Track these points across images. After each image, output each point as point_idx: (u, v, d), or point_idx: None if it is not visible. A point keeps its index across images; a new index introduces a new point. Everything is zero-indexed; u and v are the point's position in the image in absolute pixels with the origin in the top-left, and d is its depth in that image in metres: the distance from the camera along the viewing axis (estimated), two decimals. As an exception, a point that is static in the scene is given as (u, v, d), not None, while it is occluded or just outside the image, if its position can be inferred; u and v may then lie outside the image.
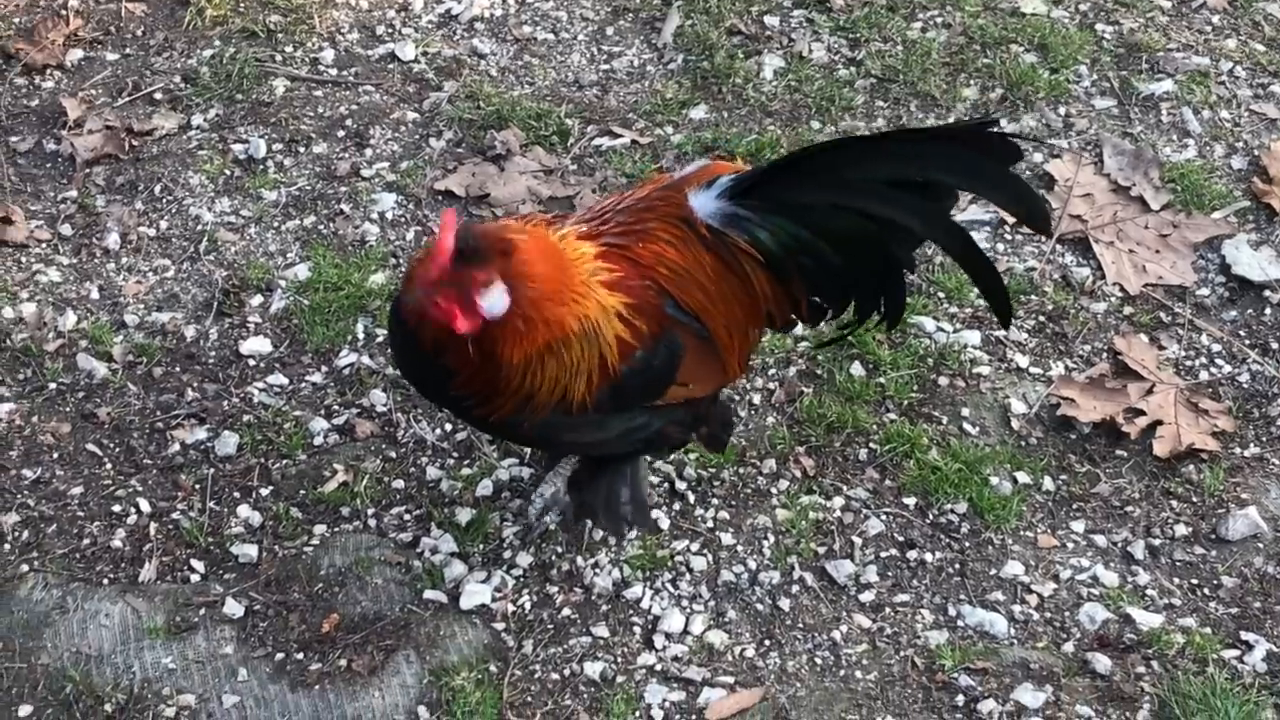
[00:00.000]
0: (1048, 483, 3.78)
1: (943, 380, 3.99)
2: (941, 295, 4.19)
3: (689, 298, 3.27)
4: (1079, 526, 3.70)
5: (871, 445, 3.85)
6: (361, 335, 4.07)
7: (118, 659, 3.40)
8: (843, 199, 3.22)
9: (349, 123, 4.66)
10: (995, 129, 3.26)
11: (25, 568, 3.57)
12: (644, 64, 4.89)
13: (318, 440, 3.85)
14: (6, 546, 3.62)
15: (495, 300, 3.02)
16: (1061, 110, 4.71)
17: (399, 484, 3.76)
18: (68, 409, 3.91)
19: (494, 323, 3.05)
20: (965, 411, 3.93)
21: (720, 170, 3.34)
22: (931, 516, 3.72)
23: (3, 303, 4.12)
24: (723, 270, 3.29)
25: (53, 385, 3.96)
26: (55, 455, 3.81)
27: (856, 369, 3.99)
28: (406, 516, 3.70)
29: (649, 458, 3.69)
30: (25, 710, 3.32)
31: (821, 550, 3.64)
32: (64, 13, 4.97)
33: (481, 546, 3.63)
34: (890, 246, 3.29)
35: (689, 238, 3.27)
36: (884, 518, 3.71)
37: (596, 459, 3.59)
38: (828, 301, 3.42)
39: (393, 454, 3.83)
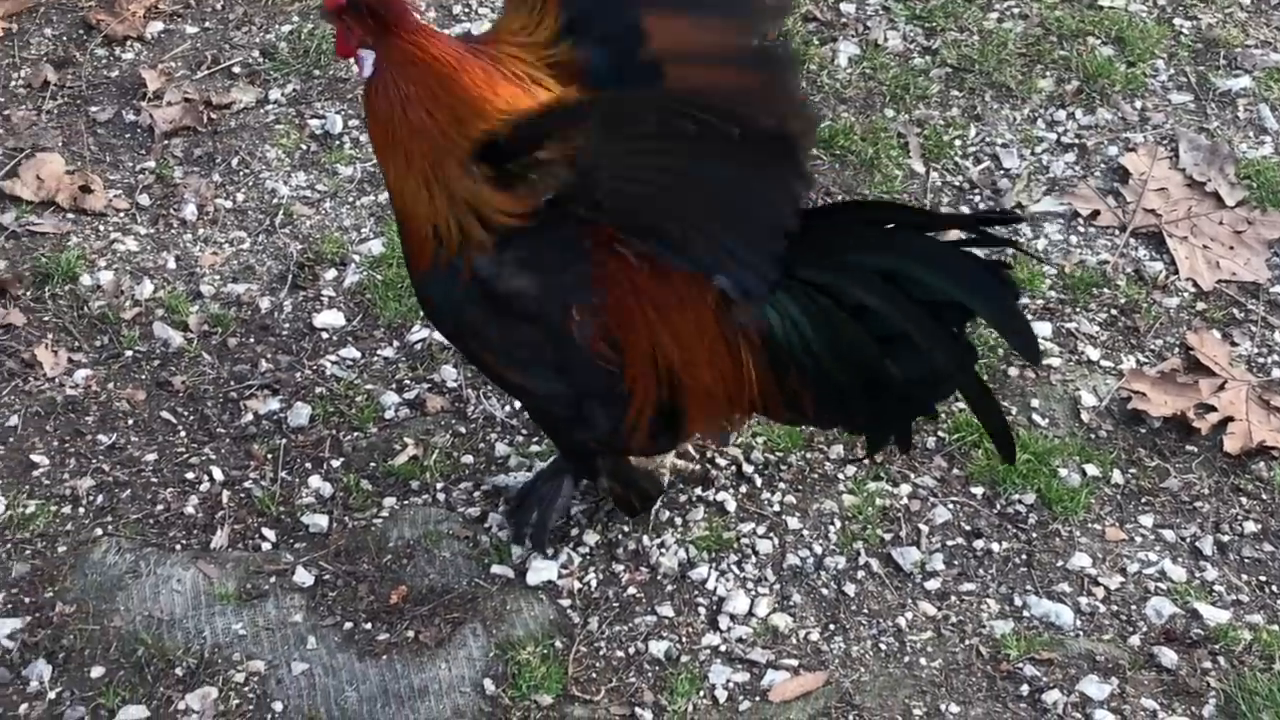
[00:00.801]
0: (1117, 476, 3.77)
1: (1012, 371, 3.99)
2: (1013, 286, 4.18)
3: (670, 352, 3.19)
4: (1147, 521, 3.69)
5: (940, 433, 3.85)
6: (433, 311, 4.10)
7: (189, 624, 3.44)
8: (841, 280, 3.11)
9: (424, 100, 4.68)
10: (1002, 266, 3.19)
11: (99, 532, 3.62)
12: (719, 48, 4.89)
13: (389, 414, 3.88)
14: (81, 510, 3.67)
15: (365, 63, 3.14)
16: (1137, 104, 4.68)
17: (468, 459, 3.79)
18: (143, 377, 3.96)
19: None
20: (1035, 403, 3.92)
21: None
22: (999, 506, 3.71)
23: (81, 270, 4.17)
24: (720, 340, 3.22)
25: (129, 353, 4.01)
26: (130, 422, 3.86)
27: (926, 357, 3.99)
28: (475, 492, 3.72)
29: (573, 492, 3.63)
30: (98, 671, 3.37)
31: (888, 537, 3.65)
32: (145, -15, 5.03)
33: (549, 523, 3.66)
34: (887, 361, 3.17)
35: (701, 296, 3.18)
36: (951, 506, 3.71)
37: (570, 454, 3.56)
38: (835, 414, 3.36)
39: (462, 429, 3.86)
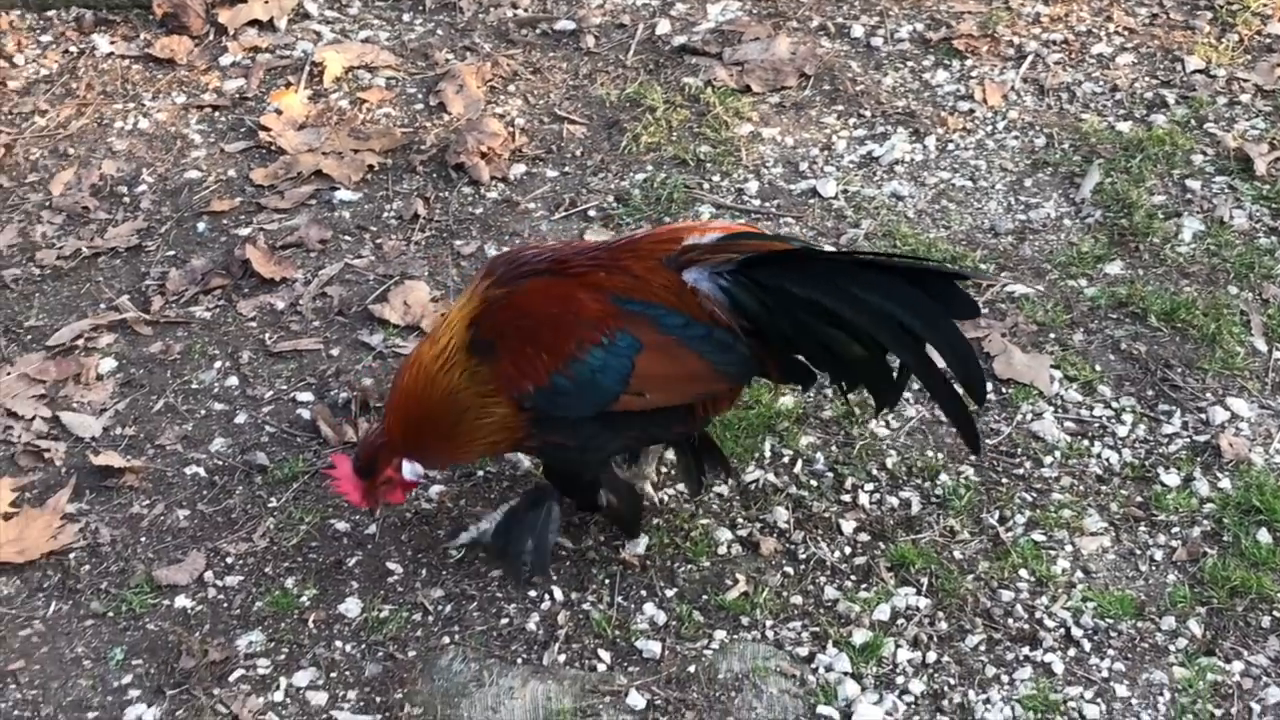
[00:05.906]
0: None
1: (1353, 556, 3.93)
2: (1356, 470, 4.13)
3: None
4: None
5: (1275, 613, 3.80)
6: (769, 453, 4.22)
7: (526, 735, 3.60)
8: (816, 295, 3.51)
9: (769, 251, 4.85)
10: (963, 280, 3.57)
11: (446, 640, 3.81)
12: (1060, 217, 4.96)
13: (721, 550, 4.00)
14: (430, 619, 3.86)
15: (411, 471, 3.75)
16: None
17: (797, 600, 3.88)
18: (493, 495, 4.16)
19: None
20: (1375, 590, 3.86)
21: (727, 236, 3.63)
22: (1336, 692, 3.66)
23: (440, 392, 4.40)
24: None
25: (480, 472, 4.21)
26: (480, 538, 4.06)
27: (1264, 535, 3.96)
28: (803, 632, 3.81)
29: (559, 513, 3.92)
30: (439, 772, 3.54)
31: (1219, 713, 3.61)
32: (512, 130, 5.33)
33: (875, 669, 3.71)
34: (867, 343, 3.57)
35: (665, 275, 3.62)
36: (1285, 687, 3.67)
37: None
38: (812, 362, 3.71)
39: (791, 570, 3.95)
